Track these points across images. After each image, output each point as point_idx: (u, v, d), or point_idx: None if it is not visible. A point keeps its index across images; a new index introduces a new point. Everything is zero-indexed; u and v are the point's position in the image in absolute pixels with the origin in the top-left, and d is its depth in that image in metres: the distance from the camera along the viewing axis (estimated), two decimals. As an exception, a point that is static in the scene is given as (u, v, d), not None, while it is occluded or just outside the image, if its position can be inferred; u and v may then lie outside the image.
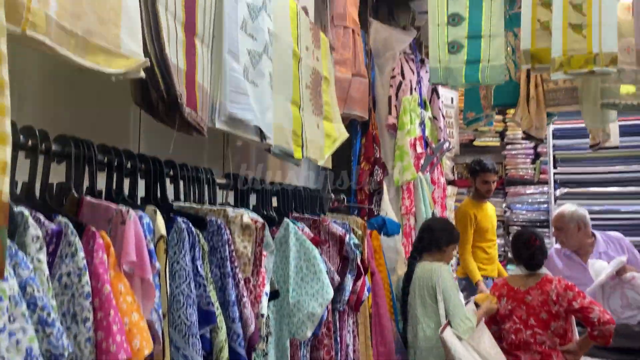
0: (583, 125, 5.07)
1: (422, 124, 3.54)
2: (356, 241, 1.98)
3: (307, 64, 2.23)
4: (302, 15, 2.25)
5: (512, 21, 2.86)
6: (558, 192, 5.07)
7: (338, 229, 1.85)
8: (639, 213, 4.83)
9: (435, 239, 2.77)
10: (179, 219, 1.07)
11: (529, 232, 2.88)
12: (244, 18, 1.65)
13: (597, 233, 3.35)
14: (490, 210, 4.15)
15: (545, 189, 5.46)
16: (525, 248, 2.70)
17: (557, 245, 3.45)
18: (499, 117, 5.77)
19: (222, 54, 1.50)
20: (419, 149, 3.42)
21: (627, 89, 2.98)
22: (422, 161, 3.46)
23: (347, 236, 1.89)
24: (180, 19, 1.30)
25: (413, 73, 3.59)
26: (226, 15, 1.52)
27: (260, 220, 1.28)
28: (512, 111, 5.73)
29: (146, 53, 1.13)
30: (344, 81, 2.74)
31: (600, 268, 3.07)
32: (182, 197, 1.34)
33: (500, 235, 5.63)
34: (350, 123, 2.99)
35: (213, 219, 1.16)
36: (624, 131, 4.88)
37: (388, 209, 2.91)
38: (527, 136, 3.24)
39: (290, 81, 2.02)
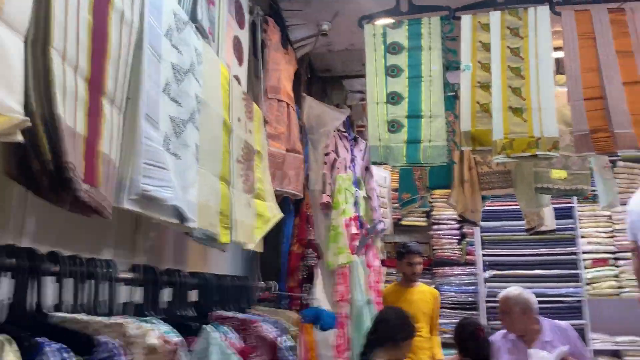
0: (510, 207, 5.23)
1: (356, 203, 3.37)
2: (291, 343, 1.67)
3: (239, 136, 2.00)
4: (235, 83, 2.05)
5: (452, 102, 2.84)
6: (487, 274, 5.03)
7: (270, 332, 1.54)
8: (564, 296, 4.85)
9: (391, 332, 2.50)
10: (47, 348, 0.73)
11: (473, 323, 2.70)
12: (168, 80, 1.41)
13: (545, 320, 3.25)
14: (418, 295, 3.92)
15: (473, 270, 5.42)
16: (472, 340, 2.52)
17: (503, 330, 3.31)
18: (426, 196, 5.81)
19: (138, 119, 1.23)
20: (354, 230, 3.22)
21: (558, 174, 2.99)
22: (356, 243, 3.26)
23: (281, 339, 1.58)
24: (83, 73, 1.03)
25: (347, 151, 3.46)
26: (145, 74, 1.27)
27: (174, 339, 0.96)
28: (438, 191, 5.85)
29: (28, 111, 0.84)
30: (278, 156, 2.52)
31: (542, 359, 2.93)
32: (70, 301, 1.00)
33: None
34: (282, 201, 2.75)
35: (104, 341, 0.83)
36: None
37: (321, 298, 2.63)
38: (463, 220, 3.14)
39: (220, 154, 1.77)
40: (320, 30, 2.84)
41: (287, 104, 2.65)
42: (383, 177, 4.01)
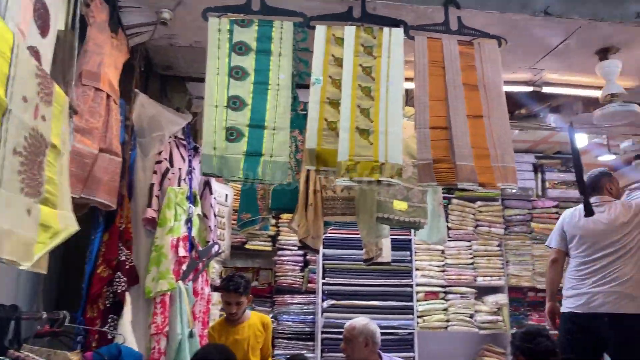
0: (353, 235, 5.22)
1: (189, 221, 2.98)
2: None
3: (23, 120, 1.53)
4: (25, 54, 1.58)
5: (299, 118, 2.62)
6: (325, 304, 4.90)
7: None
8: (397, 328, 4.90)
9: None
10: None
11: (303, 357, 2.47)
12: None
13: (385, 356, 3.18)
14: (248, 331, 3.40)
15: (313, 298, 5.28)
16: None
17: None
18: (273, 221, 5.57)
19: None
20: (182, 252, 2.82)
21: (400, 205, 2.93)
22: (184, 267, 2.86)
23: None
24: None
25: (184, 161, 3.07)
26: None
27: None
28: (285, 216, 5.67)
29: None
30: (86, 156, 2.06)
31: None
32: None
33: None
34: (91, 212, 2.27)
35: None
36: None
37: (127, 332, 2.18)
38: (303, 246, 2.93)
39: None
40: (160, 18, 2.46)
41: (108, 96, 2.21)
42: (224, 195, 3.67)
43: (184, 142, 3.12)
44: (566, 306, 3.24)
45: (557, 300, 3.40)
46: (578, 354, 3.17)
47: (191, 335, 2.73)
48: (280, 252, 5.47)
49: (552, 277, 3.36)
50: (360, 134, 2.11)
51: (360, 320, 3.19)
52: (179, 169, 2.98)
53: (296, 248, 5.45)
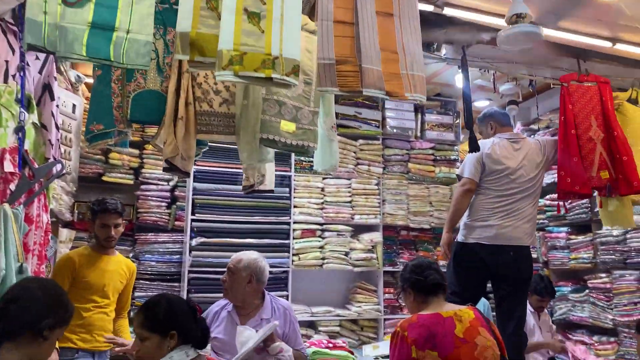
0: (228, 169, 4.77)
1: (20, 130, 2.33)
2: None
3: None
4: None
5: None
6: (194, 242, 4.46)
7: None
8: (273, 267, 4.64)
9: (30, 317, 1.62)
10: None
11: (176, 298, 2.07)
12: None
13: (269, 296, 2.85)
14: (114, 266, 3.23)
15: (180, 237, 4.81)
16: (194, 322, 1.92)
17: (224, 300, 2.83)
18: (135, 152, 4.92)
19: None
20: (8, 167, 2.19)
21: (287, 126, 2.56)
22: (12, 186, 2.24)
23: None
24: None
25: (13, 53, 2.37)
26: None
27: None
28: (152, 148, 5.03)
29: None
30: None
31: (247, 338, 2.49)
32: None
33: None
34: None
35: None
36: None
37: None
38: (170, 167, 2.45)
39: None
40: None
41: None
42: (72, 105, 3.00)
43: (15, 29, 2.41)
44: (471, 237, 3.21)
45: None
46: (470, 285, 3.18)
47: (21, 270, 2.16)
48: (144, 187, 4.87)
49: (461, 208, 3.29)
50: (249, 18, 1.68)
51: (250, 254, 2.85)
52: (6, 61, 2.29)
53: (164, 183, 4.89)
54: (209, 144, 2.90)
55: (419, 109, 5.45)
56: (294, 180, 4.85)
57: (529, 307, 4.11)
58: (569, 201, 4.93)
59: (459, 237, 3.34)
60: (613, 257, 4.43)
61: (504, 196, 3.19)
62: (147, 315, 1.94)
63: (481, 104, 5.84)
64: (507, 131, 3.46)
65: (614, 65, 3.69)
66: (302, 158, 4.90)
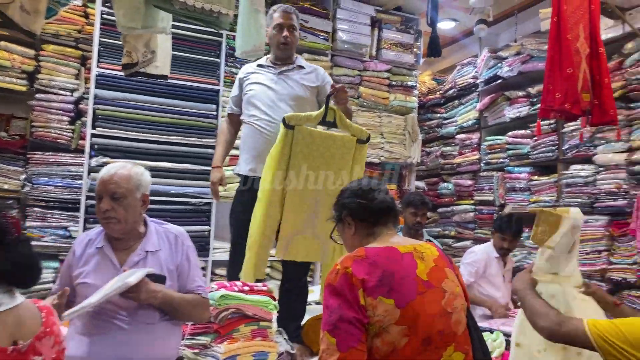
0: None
1: None
2: None
3: None
4: None
5: None
6: (93, 162, 3.68)
7: None
8: (192, 196, 3.93)
9: None
10: None
11: None
12: None
13: (152, 222, 2.09)
14: None
15: (84, 159, 3.99)
16: None
17: (99, 228, 2.05)
18: (30, 52, 3.99)
19: None
20: None
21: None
22: None
23: None
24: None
25: None
26: None
27: None
28: (50, 47, 4.11)
29: None
30: None
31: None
32: None
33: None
34: None
35: None
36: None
37: None
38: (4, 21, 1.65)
39: None
40: None
41: None
42: None
43: None
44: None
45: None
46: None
47: None
48: (40, 96, 3.97)
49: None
50: None
51: (129, 167, 2.05)
52: None
53: (67, 93, 4.01)
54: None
55: (376, 22, 4.69)
56: (223, 95, 4.07)
57: (492, 251, 3.60)
58: (535, 138, 4.41)
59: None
60: (579, 200, 3.96)
61: None
62: None
63: (445, 25, 5.15)
64: None
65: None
66: (233, 69, 4.10)
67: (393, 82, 4.80)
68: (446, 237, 5.52)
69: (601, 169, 3.83)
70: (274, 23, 2.90)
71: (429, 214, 5.85)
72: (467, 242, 5.07)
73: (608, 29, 3.81)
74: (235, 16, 2.01)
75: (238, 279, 2.70)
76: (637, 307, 3.35)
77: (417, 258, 1.58)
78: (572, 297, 1.85)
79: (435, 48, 2.65)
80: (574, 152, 4.08)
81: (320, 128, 2.65)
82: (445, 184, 5.59)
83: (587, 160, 3.96)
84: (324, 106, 2.58)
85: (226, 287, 2.39)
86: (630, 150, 3.64)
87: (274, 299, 2.51)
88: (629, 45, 3.69)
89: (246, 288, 2.45)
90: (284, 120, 2.47)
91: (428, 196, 5.82)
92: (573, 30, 2.73)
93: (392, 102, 4.76)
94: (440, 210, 5.64)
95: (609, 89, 2.92)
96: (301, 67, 2.98)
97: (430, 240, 3.62)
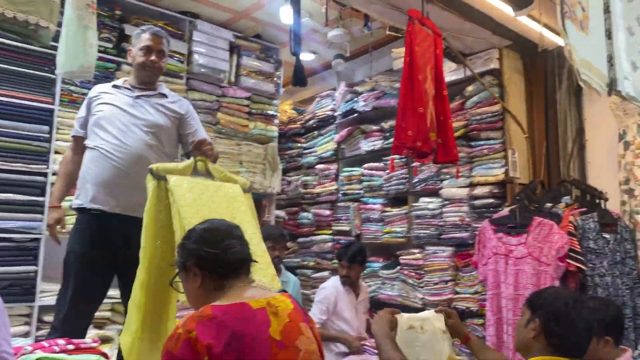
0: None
1: None
2: None
3: None
4: None
5: None
6: None
7: None
8: (17, 232, 3.37)
9: None
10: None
11: None
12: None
13: None
14: None
15: None
16: None
17: None
18: None
19: None
20: None
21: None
22: None
23: None
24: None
25: None
26: None
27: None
28: None
29: None
30: None
31: None
32: None
33: None
34: None
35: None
36: None
37: None
38: None
39: None
40: None
41: None
42: None
43: None
44: None
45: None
46: None
47: None
48: None
49: None
50: None
51: None
52: None
53: None
54: None
55: (235, 49, 4.55)
56: (58, 116, 3.60)
57: (339, 284, 3.57)
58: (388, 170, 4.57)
59: None
60: (428, 231, 4.15)
61: None
62: None
63: (305, 56, 5.19)
64: None
65: (455, 15, 3.26)
66: (72, 86, 3.65)
67: (253, 110, 4.67)
68: (305, 267, 5.47)
69: (447, 202, 4.05)
70: (141, 44, 2.63)
71: (289, 244, 5.80)
72: (326, 273, 5.06)
73: (452, 72, 4.09)
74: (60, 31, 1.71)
75: (64, 332, 2.30)
76: (479, 334, 3.54)
77: (270, 314, 1.43)
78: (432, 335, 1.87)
79: (300, 77, 2.57)
80: (423, 185, 4.28)
81: (199, 177, 2.36)
82: (306, 214, 5.56)
83: (435, 193, 4.17)
84: (191, 158, 2.35)
85: (44, 348, 2.00)
86: (472, 185, 3.90)
87: (106, 356, 2.16)
88: (470, 88, 3.99)
89: (70, 347, 2.07)
90: (151, 171, 2.15)
91: (288, 226, 5.77)
92: (423, 71, 2.84)
93: (252, 130, 4.63)
94: (300, 240, 5.59)
95: (452, 130, 3.08)
96: (164, 95, 2.72)
97: (284, 291, 3.38)
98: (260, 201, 4.75)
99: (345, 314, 3.51)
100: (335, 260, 4.98)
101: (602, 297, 2.83)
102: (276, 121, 4.88)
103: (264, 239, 3.54)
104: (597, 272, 2.97)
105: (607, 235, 3.06)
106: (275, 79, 4.78)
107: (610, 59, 2.04)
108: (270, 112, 4.78)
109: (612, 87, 2.02)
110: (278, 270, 3.60)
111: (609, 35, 2.07)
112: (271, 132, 4.77)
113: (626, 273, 3.13)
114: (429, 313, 1.99)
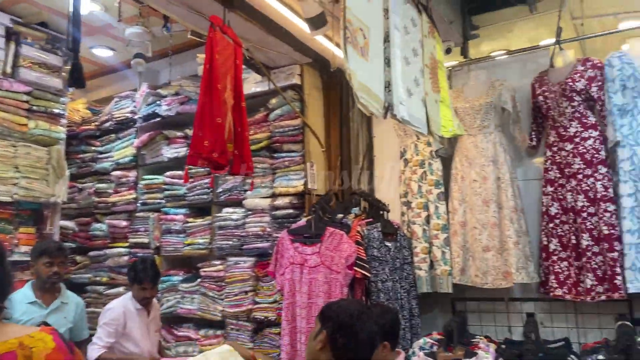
0: None
1: None
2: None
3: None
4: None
5: None
6: None
7: None
8: None
9: None
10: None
11: None
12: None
13: None
14: None
15: None
16: None
17: None
18: None
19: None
20: None
21: None
22: None
23: None
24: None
25: None
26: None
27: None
28: None
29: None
30: None
31: None
32: None
33: None
34: None
35: None
36: None
37: None
38: None
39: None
40: None
41: None
42: None
43: None
44: None
45: None
46: None
47: None
48: None
49: None
50: None
51: None
52: None
53: None
54: None
55: (13, 35, 3.94)
56: None
57: (132, 304, 3.29)
58: (192, 179, 4.41)
59: None
60: (230, 242, 4.09)
61: None
62: None
63: (102, 52, 4.76)
64: None
65: (257, 27, 3.27)
66: None
67: (34, 107, 4.09)
68: (97, 283, 4.98)
69: (250, 212, 4.05)
70: None
71: (78, 257, 5.21)
72: (121, 289, 4.66)
73: (257, 83, 4.12)
74: None
75: None
76: (275, 344, 3.59)
77: (22, 357, 1.19)
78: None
79: (77, 78, 2.28)
80: (227, 195, 4.22)
81: None
82: (99, 225, 5.06)
83: (239, 203, 4.14)
84: None
85: None
86: (274, 195, 3.96)
87: None
88: (273, 101, 4.06)
89: None
90: None
91: (79, 238, 5.18)
92: (222, 80, 2.77)
93: (32, 130, 4.05)
94: (92, 253, 5.06)
95: (248, 141, 3.07)
96: None
97: (45, 324, 2.94)
98: (41, 211, 4.17)
99: (135, 334, 3.24)
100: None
101: (382, 303, 3.08)
102: (64, 121, 4.35)
103: (38, 255, 3.10)
104: (380, 278, 3.23)
105: (388, 244, 3.36)
106: (63, 73, 4.27)
107: (389, 85, 2.24)
108: (57, 111, 4.24)
109: (388, 111, 2.20)
110: (57, 290, 3.18)
111: (388, 63, 2.26)
112: (57, 133, 4.24)
113: (404, 277, 3.49)
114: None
